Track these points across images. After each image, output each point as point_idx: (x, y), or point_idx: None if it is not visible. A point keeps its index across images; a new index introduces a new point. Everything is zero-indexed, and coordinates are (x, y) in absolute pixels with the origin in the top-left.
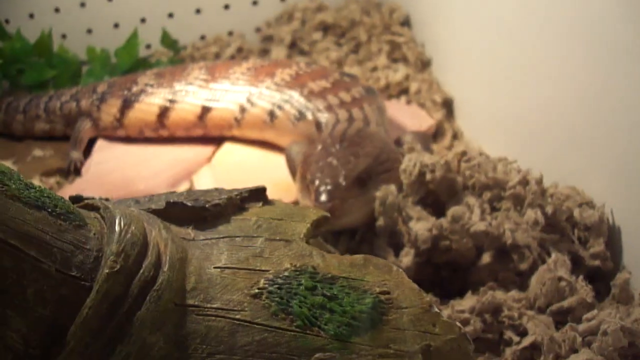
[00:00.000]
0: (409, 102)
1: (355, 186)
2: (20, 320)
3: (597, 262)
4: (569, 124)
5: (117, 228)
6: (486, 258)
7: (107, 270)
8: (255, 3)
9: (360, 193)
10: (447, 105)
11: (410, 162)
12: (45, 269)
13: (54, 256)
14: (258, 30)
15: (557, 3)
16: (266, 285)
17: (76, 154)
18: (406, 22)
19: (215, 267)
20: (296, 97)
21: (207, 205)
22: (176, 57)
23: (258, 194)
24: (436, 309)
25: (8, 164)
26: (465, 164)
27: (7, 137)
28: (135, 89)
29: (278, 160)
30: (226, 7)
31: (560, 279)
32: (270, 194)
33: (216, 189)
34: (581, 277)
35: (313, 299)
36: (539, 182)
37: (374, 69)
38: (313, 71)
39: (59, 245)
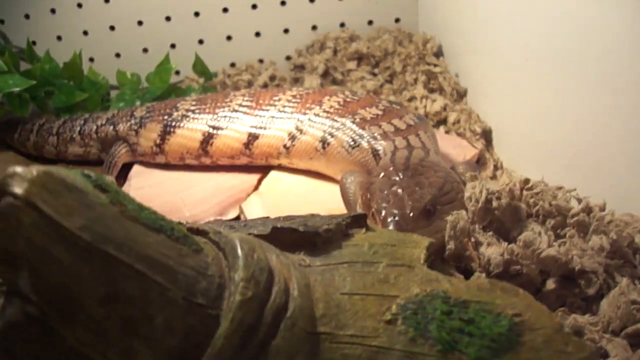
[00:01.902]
0: (447, 132)
1: (423, 217)
2: (147, 353)
3: None
4: (613, 149)
5: (239, 253)
6: (551, 284)
7: (239, 298)
8: (286, 31)
9: (427, 224)
10: (486, 135)
11: (476, 190)
12: (171, 296)
13: (179, 283)
14: (288, 58)
15: (590, 26)
16: (400, 311)
17: (109, 179)
18: (439, 53)
19: (342, 293)
20: (349, 124)
21: (319, 231)
22: (208, 84)
23: (360, 220)
24: (567, 329)
25: None
26: (527, 191)
27: (38, 160)
28: (176, 114)
29: (327, 188)
30: (257, 34)
31: (634, 302)
32: None
33: (312, 215)
34: None
35: (451, 323)
36: (602, 209)
37: (412, 98)
38: (361, 99)
39: (182, 270)
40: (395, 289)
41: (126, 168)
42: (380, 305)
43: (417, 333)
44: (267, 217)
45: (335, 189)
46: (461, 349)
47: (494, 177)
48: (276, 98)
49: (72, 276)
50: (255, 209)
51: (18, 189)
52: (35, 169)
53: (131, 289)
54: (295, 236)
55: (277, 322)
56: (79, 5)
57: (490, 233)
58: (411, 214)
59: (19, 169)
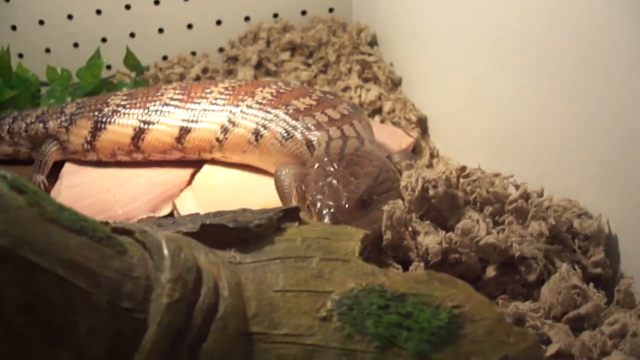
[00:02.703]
0: (382, 121)
1: (358, 208)
2: None
3: (598, 270)
4: (549, 135)
5: (165, 253)
6: (491, 271)
7: (166, 300)
8: (219, 22)
9: (363, 215)
10: (421, 124)
11: (412, 178)
12: (95, 301)
13: (103, 286)
14: (221, 50)
15: (523, 10)
16: (335, 307)
17: (40, 177)
18: (374, 42)
19: (274, 291)
20: (282, 116)
21: (250, 226)
22: (140, 78)
23: (292, 214)
24: (508, 320)
25: None
26: (464, 179)
27: None
28: (106, 109)
29: (262, 182)
30: (189, 26)
31: (574, 287)
32: None
33: (243, 210)
34: (592, 284)
35: (388, 317)
36: (540, 195)
37: (346, 88)
38: (294, 90)
39: (106, 273)
40: (330, 284)
41: (58, 166)
42: (314, 301)
43: (353, 329)
44: (197, 214)
45: (270, 182)
46: (400, 344)
47: (430, 165)
48: (208, 90)
49: None
50: (189, 204)
51: None
52: None
53: (53, 296)
54: (225, 233)
55: (208, 323)
56: (7, 0)
57: (428, 222)
58: (347, 205)
59: None
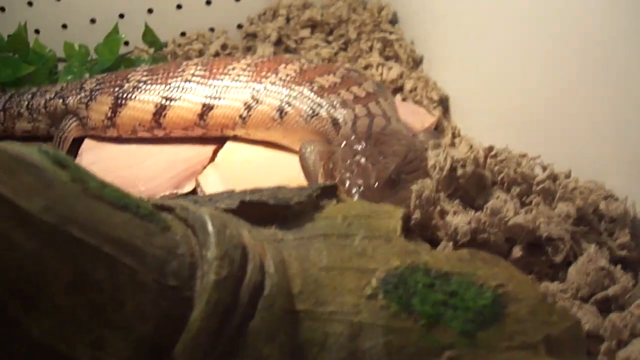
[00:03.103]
0: (404, 99)
1: (387, 187)
2: (120, 342)
3: (624, 252)
4: (573, 115)
5: (210, 229)
6: (518, 251)
7: (214, 277)
8: None
9: (391, 194)
10: (443, 103)
11: (440, 158)
12: (142, 279)
13: (148, 264)
14: (240, 26)
15: None
16: (380, 285)
17: None
18: (394, 20)
19: (319, 268)
20: (307, 93)
21: (291, 203)
22: (158, 55)
23: (330, 191)
24: (549, 299)
25: None
26: (491, 159)
27: None
28: (127, 85)
29: (285, 159)
30: (208, 2)
31: (602, 268)
32: None
33: (279, 187)
34: (619, 266)
35: (434, 296)
36: (567, 176)
37: (367, 66)
38: (318, 66)
39: (151, 251)
40: (374, 262)
41: (76, 142)
42: (359, 279)
43: (399, 307)
44: (232, 191)
45: (292, 159)
46: (446, 322)
47: (452, 144)
48: (230, 67)
49: (36, 262)
50: (212, 181)
51: None
52: None
53: (99, 274)
54: (265, 210)
55: (254, 301)
56: None
57: (457, 201)
58: (376, 184)
59: None
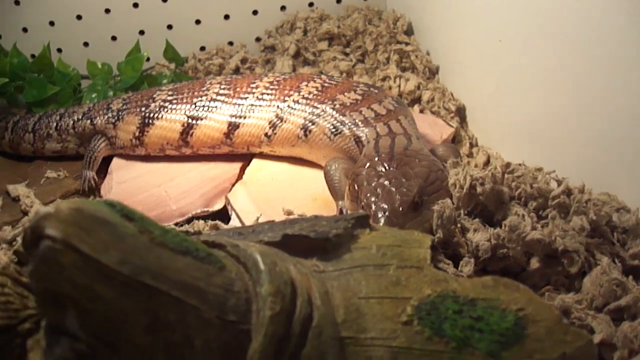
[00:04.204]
0: (422, 110)
1: (411, 210)
2: None
3: (636, 262)
4: (586, 126)
5: (262, 267)
6: (535, 263)
7: (269, 313)
8: (255, 12)
9: (415, 216)
10: (460, 113)
11: (460, 176)
12: (206, 317)
13: (211, 303)
14: (258, 39)
15: (564, 4)
16: (415, 312)
17: (90, 173)
18: (410, 31)
19: (359, 298)
20: (329, 111)
21: (329, 236)
22: (179, 70)
23: (363, 221)
24: (565, 320)
25: (21, 186)
26: (509, 175)
27: (14, 158)
28: (153, 105)
29: (311, 174)
30: (226, 17)
31: (614, 280)
32: (310, 210)
33: (316, 217)
34: (631, 277)
35: (462, 321)
36: (581, 190)
37: (385, 78)
38: (339, 84)
39: (212, 290)
40: (408, 290)
41: (105, 160)
42: (395, 307)
43: (432, 332)
44: (273, 221)
45: (318, 174)
46: (473, 344)
47: (470, 154)
48: (253, 85)
49: (117, 310)
50: (241, 198)
51: (54, 231)
52: (65, 207)
53: (171, 315)
54: (307, 243)
55: (305, 331)
56: None
57: (476, 220)
58: (400, 209)
59: (49, 210)
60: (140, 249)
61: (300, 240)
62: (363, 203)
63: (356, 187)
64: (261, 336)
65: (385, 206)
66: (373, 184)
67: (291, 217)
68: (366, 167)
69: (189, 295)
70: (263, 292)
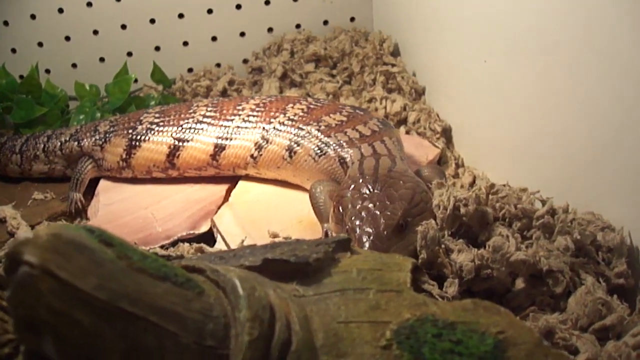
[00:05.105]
0: (408, 132)
1: (395, 234)
2: None
3: (621, 281)
4: (570, 145)
5: (240, 292)
6: (520, 284)
7: (247, 338)
8: (242, 34)
9: (400, 239)
10: (446, 134)
11: (444, 197)
12: (184, 342)
13: (189, 328)
14: (245, 61)
15: (550, 24)
16: (394, 336)
17: (77, 195)
18: (396, 52)
19: (338, 322)
20: (314, 132)
21: (310, 261)
22: (167, 92)
23: (344, 244)
24: (545, 343)
25: (8, 208)
26: (493, 195)
27: (1, 179)
28: (140, 127)
29: (296, 197)
30: (214, 38)
31: (599, 299)
32: (296, 232)
33: (297, 241)
34: (615, 296)
35: (441, 345)
36: (565, 210)
37: (372, 99)
38: (324, 105)
39: (190, 316)
40: (387, 314)
41: (92, 182)
42: (375, 331)
43: (412, 356)
44: (254, 245)
45: (303, 196)
46: None
47: (456, 175)
48: (239, 107)
49: (94, 335)
50: (227, 221)
51: (32, 257)
52: (44, 233)
53: (149, 341)
54: (287, 267)
55: (284, 356)
56: (33, 17)
57: (460, 240)
58: (385, 232)
59: (27, 235)
60: (119, 275)
61: (281, 265)
62: (348, 227)
63: (341, 210)
64: None
65: (370, 230)
66: (357, 207)
67: (276, 239)
68: (350, 189)
69: (167, 320)
70: (241, 317)
